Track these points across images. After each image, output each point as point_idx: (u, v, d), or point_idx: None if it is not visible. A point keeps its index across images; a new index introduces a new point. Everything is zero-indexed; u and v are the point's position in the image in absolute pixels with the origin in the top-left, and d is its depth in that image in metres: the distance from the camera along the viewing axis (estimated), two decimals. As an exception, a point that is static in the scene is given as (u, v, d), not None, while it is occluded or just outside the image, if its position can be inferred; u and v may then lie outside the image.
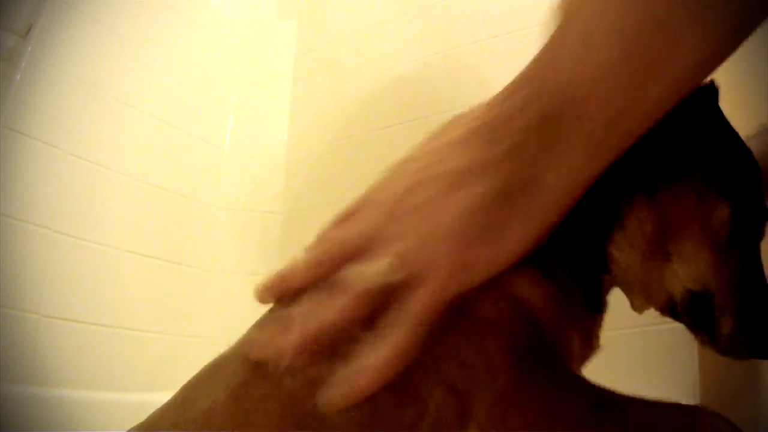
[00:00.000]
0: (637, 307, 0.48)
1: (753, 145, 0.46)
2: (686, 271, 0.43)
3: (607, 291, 0.47)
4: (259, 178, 1.55)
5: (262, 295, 0.46)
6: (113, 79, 1.24)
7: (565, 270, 0.43)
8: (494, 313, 0.39)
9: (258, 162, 1.56)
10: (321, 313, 0.39)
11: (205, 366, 0.45)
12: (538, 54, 0.42)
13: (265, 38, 1.68)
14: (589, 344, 0.46)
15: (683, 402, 0.40)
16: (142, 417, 0.45)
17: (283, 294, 0.45)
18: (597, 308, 0.46)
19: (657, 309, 0.47)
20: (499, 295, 0.40)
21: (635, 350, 0.91)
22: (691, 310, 0.43)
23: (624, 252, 0.45)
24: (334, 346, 0.38)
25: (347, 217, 0.45)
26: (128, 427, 0.44)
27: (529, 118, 0.39)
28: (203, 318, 1.38)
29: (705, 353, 0.89)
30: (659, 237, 0.43)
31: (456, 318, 0.39)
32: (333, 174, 1.49)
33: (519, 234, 0.39)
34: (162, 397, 0.45)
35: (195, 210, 1.42)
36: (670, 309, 0.45)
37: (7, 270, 0.99)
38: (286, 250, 1.48)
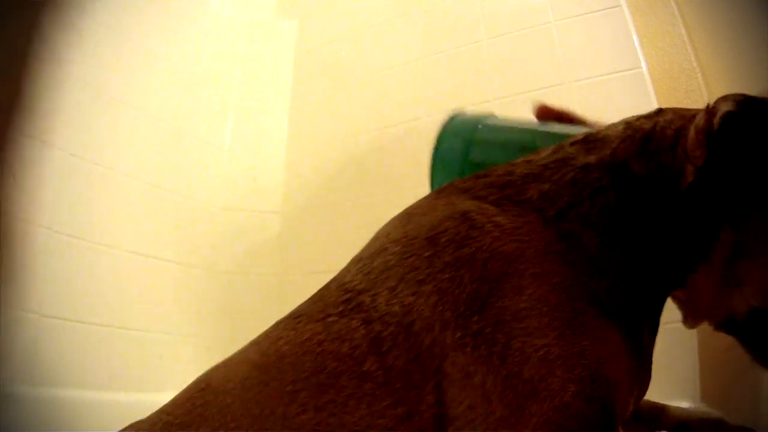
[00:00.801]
0: (691, 324, 0.49)
1: None
2: (754, 291, 0.43)
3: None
4: (259, 178, 1.55)
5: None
6: (113, 79, 1.24)
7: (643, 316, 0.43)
8: (574, 388, 0.37)
9: (258, 162, 1.56)
10: None
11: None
12: None
13: (265, 38, 1.68)
14: (647, 380, 0.46)
15: (684, 401, 0.40)
16: (141, 417, 0.45)
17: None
18: (655, 332, 0.47)
19: (712, 325, 0.48)
20: (582, 369, 0.37)
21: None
22: (753, 326, 0.44)
23: (701, 281, 0.45)
24: None
25: None
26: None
27: None
28: (203, 318, 1.37)
29: (705, 352, 0.89)
30: (736, 263, 0.44)
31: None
32: (333, 174, 1.49)
33: None
34: (162, 397, 0.45)
35: (195, 210, 1.42)
36: (727, 325, 0.46)
37: (7, 270, 0.98)
38: (286, 250, 1.49)
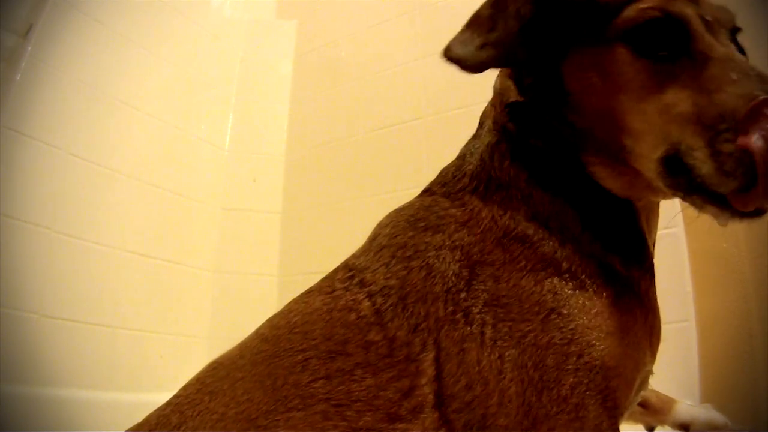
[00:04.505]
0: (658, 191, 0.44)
1: None
2: (644, 142, 0.40)
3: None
4: (259, 178, 1.55)
5: None
6: (113, 79, 1.24)
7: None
8: (571, 380, 0.37)
9: (258, 162, 1.56)
10: None
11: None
12: None
13: (265, 38, 1.68)
14: (657, 322, 0.45)
15: (684, 401, 0.40)
16: (142, 417, 0.45)
17: None
18: (643, 262, 0.44)
19: (680, 196, 0.42)
20: (576, 358, 0.38)
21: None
22: (671, 174, 0.39)
23: (609, 178, 0.45)
24: None
25: None
26: (128, 427, 0.44)
27: None
28: (203, 318, 1.38)
29: (705, 352, 0.89)
30: (613, 135, 0.42)
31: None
32: (332, 174, 1.49)
33: None
34: (162, 397, 0.45)
35: (195, 210, 1.42)
36: (678, 189, 0.39)
37: (7, 270, 0.99)
38: (286, 250, 1.49)
